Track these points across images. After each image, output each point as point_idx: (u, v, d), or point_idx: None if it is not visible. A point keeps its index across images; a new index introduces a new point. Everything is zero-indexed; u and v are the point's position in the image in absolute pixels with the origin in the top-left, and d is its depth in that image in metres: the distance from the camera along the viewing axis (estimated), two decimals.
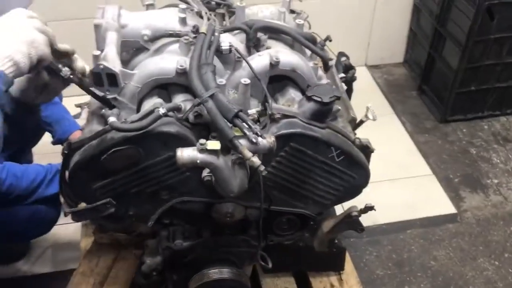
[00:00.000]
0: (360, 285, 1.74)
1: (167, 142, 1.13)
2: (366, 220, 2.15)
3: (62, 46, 1.12)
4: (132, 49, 1.28)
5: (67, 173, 1.18)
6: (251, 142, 1.05)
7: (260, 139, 1.05)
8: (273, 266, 1.42)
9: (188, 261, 1.40)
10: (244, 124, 1.05)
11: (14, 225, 1.72)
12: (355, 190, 1.30)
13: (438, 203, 2.32)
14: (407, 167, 2.51)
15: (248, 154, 1.03)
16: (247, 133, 1.04)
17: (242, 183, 1.13)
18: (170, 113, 1.12)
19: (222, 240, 1.38)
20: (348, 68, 1.50)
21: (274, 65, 1.18)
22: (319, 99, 1.16)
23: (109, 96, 1.15)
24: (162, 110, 1.08)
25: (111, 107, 1.17)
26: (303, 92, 1.27)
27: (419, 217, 2.24)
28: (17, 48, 0.96)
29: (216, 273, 1.34)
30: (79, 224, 1.95)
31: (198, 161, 1.04)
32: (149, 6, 1.36)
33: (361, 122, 1.37)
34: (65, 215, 1.82)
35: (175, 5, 1.37)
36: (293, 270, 1.74)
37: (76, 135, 1.83)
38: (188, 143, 1.11)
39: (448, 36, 2.63)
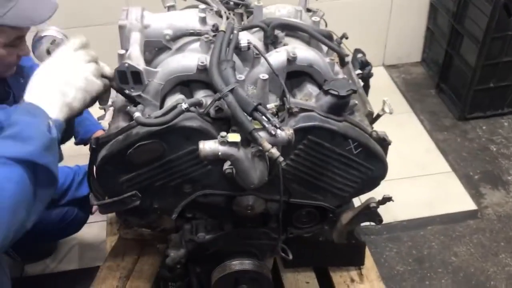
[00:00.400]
0: (380, 280, 1.75)
1: (189, 136, 1.17)
2: (386, 216, 2.17)
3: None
4: (154, 48, 1.33)
5: (94, 168, 1.23)
6: (270, 134, 1.08)
7: (279, 131, 1.09)
8: (293, 261, 1.45)
9: (211, 253, 1.44)
10: (263, 117, 1.09)
11: (46, 226, 1.78)
12: (373, 182, 1.32)
13: (458, 199, 2.32)
14: (426, 165, 2.51)
15: (268, 145, 1.06)
16: (266, 125, 1.08)
17: (262, 175, 1.16)
18: (192, 108, 1.17)
19: (243, 232, 1.41)
20: (364, 65, 1.53)
21: (291, 60, 1.22)
22: (335, 93, 1.19)
23: (134, 94, 1.20)
24: (184, 105, 1.13)
25: (136, 104, 1.23)
26: (320, 87, 1.30)
27: (439, 214, 2.25)
28: (74, 96, 1.04)
29: (238, 264, 1.37)
30: (104, 223, 2.01)
31: (219, 153, 1.08)
32: (170, 8, 1.41)
33: (378, 116, 1.40)
34: (91, 212, 1.89)
35: (195, 6, 1.42)
36: (313, 265, 1.76)
37: (98, 135, 1.90)
38: (209, 137, 1.15)
39: (465, 33, 2.63)
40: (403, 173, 2.43)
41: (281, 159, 1.07)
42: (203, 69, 1.18)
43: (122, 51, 1.17)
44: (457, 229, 2.20)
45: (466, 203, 2.30)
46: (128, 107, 1.23)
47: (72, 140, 1.94)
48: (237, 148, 1.09)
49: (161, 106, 1.24)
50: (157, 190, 1.27)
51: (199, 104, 1.17)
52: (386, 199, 1.30)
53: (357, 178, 1.30)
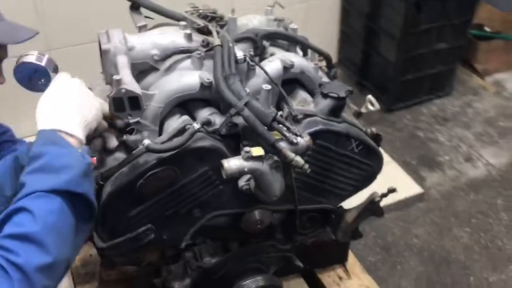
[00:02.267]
0: (365, 273, 1.81)
1: (203, 157, 1.12)
2: None
3: None
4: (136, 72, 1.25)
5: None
6: (291, 143, 1.07)
7: (299, 139, 1.08)
8: (282, 270, 1.45)
9: (218, 277, 1.38)
10: (281, 126, 1.08)
11: None
12: (371, 177, 1.37)
13: (405, 186, 2.48)
14: None
15: (291, 155, 1.05)
16: (287, 134, 1.07)
17: (281, 186, 1.15)
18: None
19: (251, 249, 1.38)
20: (331, 66, 1.57)
21: (288, 68, 1.23)
22: (335, 95, 1.22)
23: (132, 121, 1.12)
24: (196, 126, 1.08)
25: (130, 132, 1.15)
26: (310, 92, 1.32)
27: (393, 202, 2.38)
28: (94, 115, 1.04)
29: (253, 282, 1.34)
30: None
31: (245, 169, 1.05)
32: (142, 28, 1.33)
33: (361, 113, 1.45)
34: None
35: (165, 24, 1.36)
36: (301, 271, 1.77)
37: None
38: (222, 155, 1.12)
39: (382, 32, 2.83)
40: None
41: (307, 166, 1.07)
42: (207, 86, 1.14)
43: (119, 77, 1.07)
44: (411, 213, 2.35)
45: (413, 188, 2.46)
46: (124, 137, 1.14)
47: None
48: (261, 162, 1.07)
49: (160, 131, 1.17)
50: (167, 219, 1.19)
51: (208, 123, 1.13)
52: (390, 191, 1.35)
53: (357, 176, 1.34)
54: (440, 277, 2.06)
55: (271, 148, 1.07)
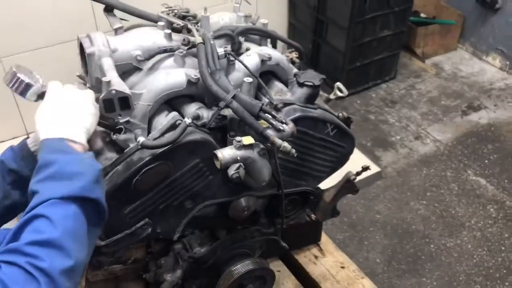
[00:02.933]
0: (338, 250, 1.93)
1: (194, 150, 1.17)
2: None
3: None
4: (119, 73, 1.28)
5: None
6: (278, 130, 1.15)
7: (285, 126, 1.16)
8: (262, 254, 1.54)
9: (208, 265, 1.44)
10: (267, 115, 1.15)
11: None
12: (345, 158, 1.48)
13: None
14: None
15: (279, 141, 1.13)
16: (274, 123, 1.15)
17: (269, 171, 1.23)
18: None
19: (238, 235, 1.45)
20: (302, 57, 1.66)
21: (266, 61, 1.30)
22: (311, 84, 1.31)
23: (122, 120, 1.16)
24: (188, 120, 1.13)
25: (119, 131, 1.18)
26: (284, 82, 1.40)
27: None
28: (91, 121, 1.06)
29: (242, 267, 1.41)
30: None
31: (238, 158, 1.11)
32: (118, 30, 1.36)
33: (329, 100, 1.55)
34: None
35: (139, 26, 1.39)
36: (279, 254, 1.86)
37: None
38: (212, 147, 1.17)
39: (330, 22, 2.96)
40: None
41: (294, 151, 1.15)
42: (194, 83, 1.19)
43: (108, 78, 1.11)
44: (371, 191, 2.50)
45: (371, 167, 2.61)
46: (114, 136, 1.18)
47: None
48: (252, 149, 1.14)
49: (149, 129, 1.22)
50: (160, 213, 1.24)
51: (198, 117, 1.18)
52: (364, 169, 1.46)
53: (333, 158, 1.44)
54: (403, 247, 2.23)
55: (260, 137, 1.14)
